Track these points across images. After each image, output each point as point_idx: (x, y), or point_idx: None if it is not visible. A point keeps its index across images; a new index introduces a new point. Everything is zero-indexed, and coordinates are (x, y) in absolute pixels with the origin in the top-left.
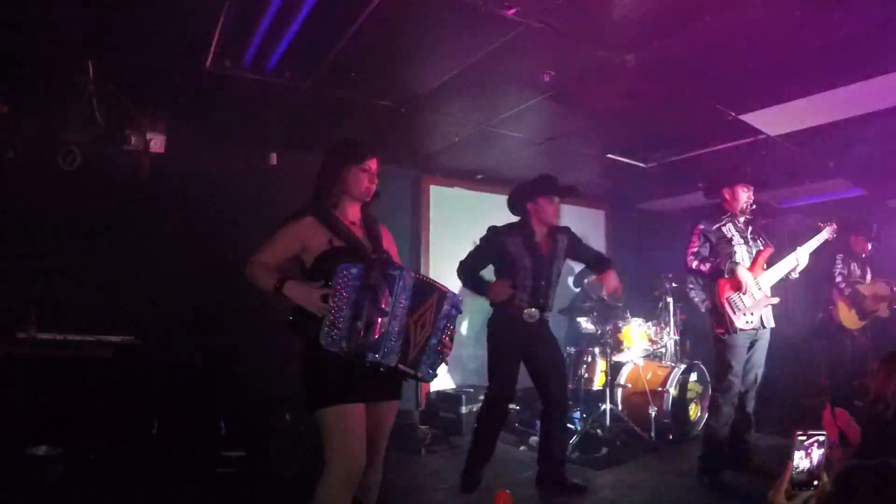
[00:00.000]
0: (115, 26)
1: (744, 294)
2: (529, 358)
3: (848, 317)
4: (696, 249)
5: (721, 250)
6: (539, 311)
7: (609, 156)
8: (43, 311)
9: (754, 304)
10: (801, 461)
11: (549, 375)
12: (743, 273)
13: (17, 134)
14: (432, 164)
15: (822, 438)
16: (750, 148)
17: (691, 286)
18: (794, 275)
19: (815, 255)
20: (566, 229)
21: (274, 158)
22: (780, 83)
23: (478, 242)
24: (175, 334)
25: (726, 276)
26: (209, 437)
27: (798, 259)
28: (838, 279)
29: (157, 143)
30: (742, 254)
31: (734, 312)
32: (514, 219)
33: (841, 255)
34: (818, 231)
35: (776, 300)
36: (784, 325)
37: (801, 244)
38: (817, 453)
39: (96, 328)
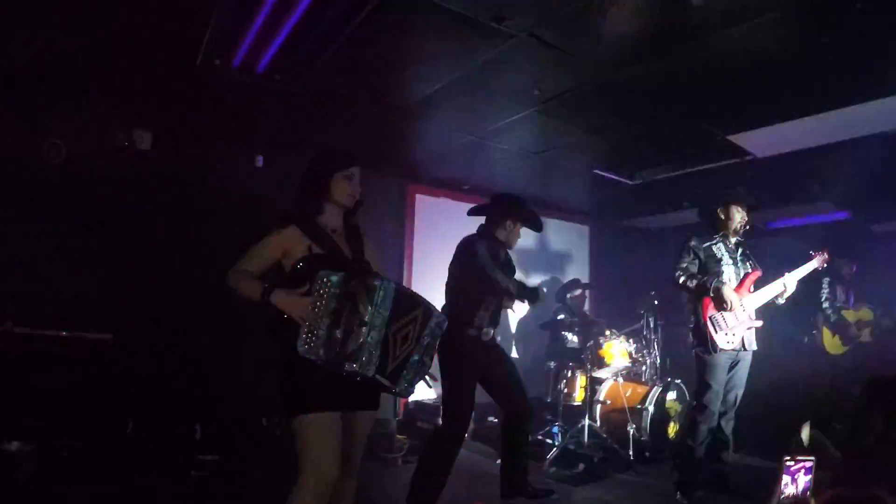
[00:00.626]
0: (105, 21)
1: (727, 313)
2: (487, 378)
3: (831, 343)
4: (685, 265)
5: (709, 268)
6: (493, 329)
7: (595, 171)
8: (20, 305)
9: (736, 325)
10: (788, 487)
11: (511, 389)
12: (728, 292)
13: (2, 126)
14: (419, 173)
15: (808, 464)
16: (736, 169)
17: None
18: (781, 300)
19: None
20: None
21: (260, 161)
22: (769, 105)
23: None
24: (153, 334)
25: (711, 295)
26: (184, 439)
27: (786, 285)
28: (825, 304)
29: (143, 140)
30: (729, 274)
31: (716, 331)
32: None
33: (827, 279)
34: (809, 259)
35: (759, 323)
36: (765, 345)
37: (786, 268)
38: (803, 479)
39: (74, 324)
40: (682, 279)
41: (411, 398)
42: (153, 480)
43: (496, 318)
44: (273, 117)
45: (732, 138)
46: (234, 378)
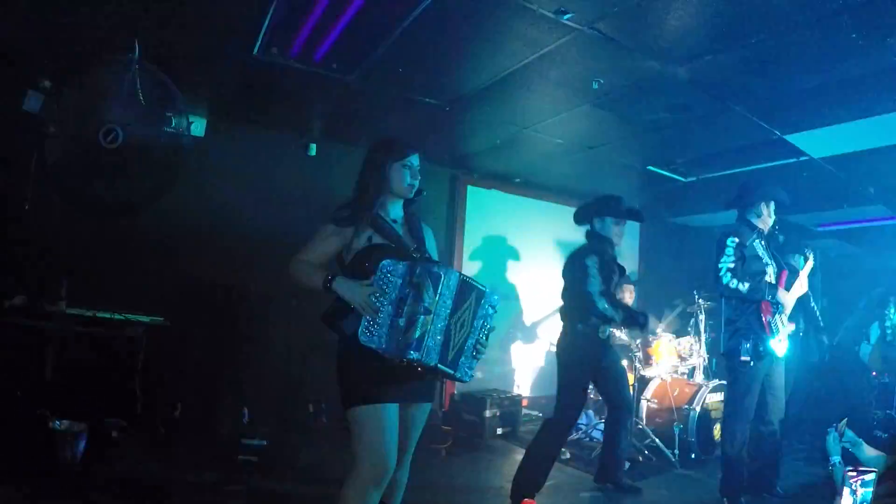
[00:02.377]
0: (164, 6)
1: (781, 316)
2: (598, 373)
3: (874, 359)
4: (733, 266)
5: (753, 268)
6: (608, 328)
7: (649, 168)
8: (74, 286)
9: (784, 330)
10: (848, 498)
11: (617, 384)
12: (783, 295)
13: (59, 109)
14: (471, 165)
15: (868, 476)
16: (792, 168)
17: None
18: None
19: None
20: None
21: (314, 149)
22: (827, 106)
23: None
24: (204, 319)
25: (768, 299)
26: (232, 423)
27: (803, 286)
28: (888, 322)
29: (197, 126)
30: (770, 274)
31: (772, 335)
32: (554, 227)
33: (894, 298)
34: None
35: (793, 326)
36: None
37: (834, 270)
38: (863, 491)
39: (126, 306)
40: (732, 281)
41: (456, 389)
42: (200, 463)
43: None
44: (327, 107)
45: (789, 138)
46: (282, 365)
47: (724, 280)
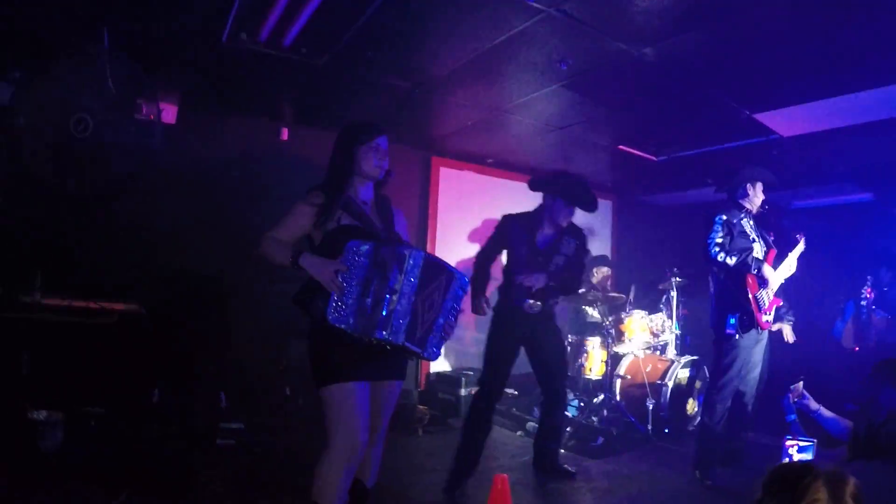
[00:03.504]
0: None
1: (766, 291)
2: (531, 349)
3: (847, 337)
4: (720, 240)
5: (740, 245)
6: (541, 303)
7: (620, 147)
8: (49, 275)
9: (770, 304)
10: None
11: (548, 367)
12: (768, 270)
13: (29, 100)
14: (443, 146)
15: (805, 443)
16: (762, 147)
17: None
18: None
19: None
20: (580, 234)
21: (285, 134)
22: (797, 84)
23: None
24: (180, 305)
25: (754, 272)
26: (209, 408)
27: (791, 267)
28: (863, 301)
29: (168, 113)
30: (758, 251)
31: (759, 310)
32: (527, 207)
33: (871, 277)
34: (796, 242)
35: (780, 302)
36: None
37: (810, 249)
38: (798, 457)
39: (101, 295)
40: (721, 255)
41: (432, 368)
42: (179, 449)
43: (540, 292)
44: (298, 91)
45: (758, 116)
46: (259, 349)
47: (713, 253)
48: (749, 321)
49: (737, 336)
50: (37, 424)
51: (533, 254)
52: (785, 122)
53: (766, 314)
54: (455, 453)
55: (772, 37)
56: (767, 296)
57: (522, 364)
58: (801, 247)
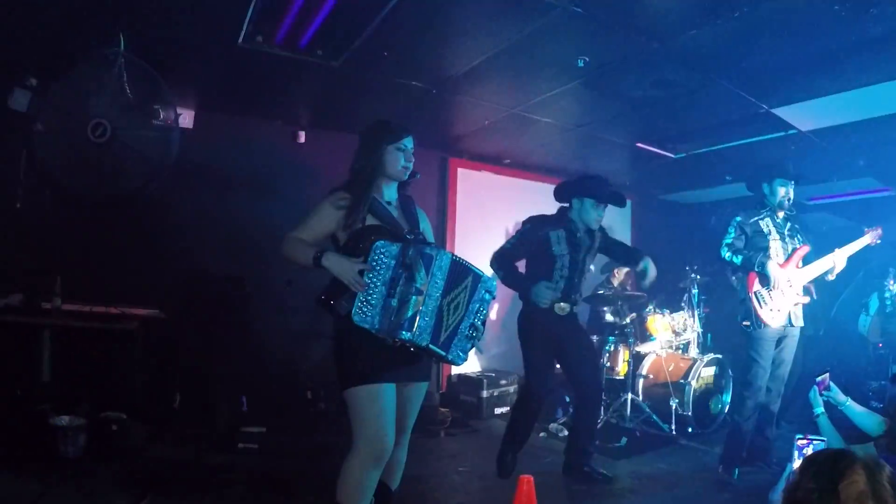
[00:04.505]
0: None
1: (773, 290)
2: (562, 352)
3: (872, 329)
4: (730, 241)
5: (756, 244)
6: (570, 306)
7: (639, 144)
8: (69, 281)
9: (782, 301)
10: (796, 462)
11: (582, 367)
12: (773, 268)
13: (47, 106)
14: (461, 147)
15: (817, 441)
16: (780, 142)
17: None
18: (831, 277)
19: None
20: (600, 230)
21: (302, 136)
22: (814, 78)
23: (518, 230)
24: (200, 309)
25: (756, 270)
26: (230, 412)
27: (835, 261)
28: (888, 293)
29: (185, 118)
30: (777, 249)
31: (760, 307)
32: (545, 208)
33: (893, 270)
34: (861, 234)
35: (806, 300)
36: (814, 322)
37: (827, 243)
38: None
39: (121, 300)
40: (727, 255)
41: (454, 371)
42: (200, 453)
43: (569, 293)
44: (315, 93)
45: (777, 111)
46: (280, 353)
47: (721, 253)
48: (754, 317)
49: (752, 331)
50: (58, 430)
51: (575, 258)
52: (803, 116)
53: (771, 310)
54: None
55: (790, 30)
56: (777, 293)
57: None
58: (861, 241)
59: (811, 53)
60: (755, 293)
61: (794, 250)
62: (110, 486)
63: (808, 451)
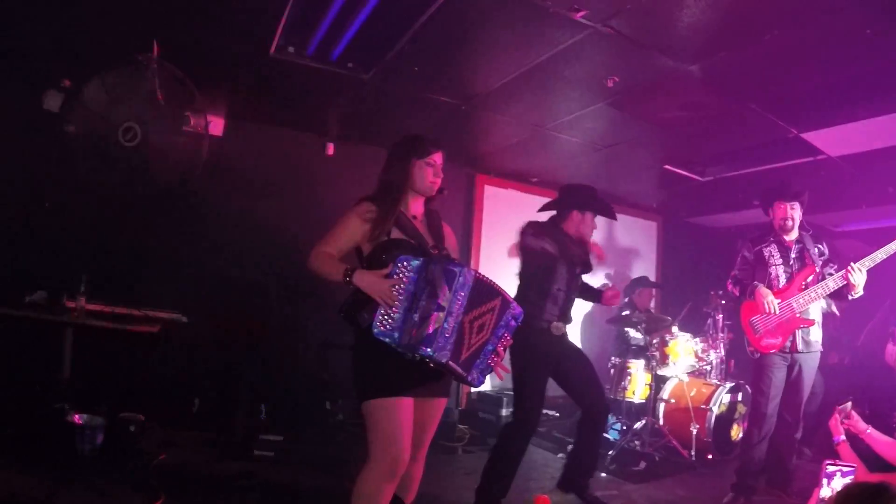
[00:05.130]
0: (181, 7)
1: (766, 315)
2: (562, 372)
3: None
4: (735, 273)
5: (758, 273)
6: (564, 324)
7: (666, 167)
8: (94, 281)
9: (779, 327)
10: (825, 489)
11: (587, 385)
12: (762, 294)
13: (79, 108)
14: (488, 164)
15: (847, 469)
16: (809, 168)
17: None
18: (855, 294)
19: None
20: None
21: (331, 149)
22: (845, 103)
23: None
24: (222, 316)
25: (748, 298)
26: (249, 419)
27: (850, 277)
28: None
29: (215, 125)
30: (778, 274)
31: (755, 334)
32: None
33: None
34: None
35: (810, 323)
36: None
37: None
38: (840, 482)
39: (145, 303)
40: (729, 287)
41: (473, 389)
42: (216, 458)
43: (566, 311)
44: (344, 106)
45: (806, 136)
46: (301, 363)
47: (728, 286)
48: (752, 346)
49: (756, 358)
50: (76, 428)
51: (570, 271)
52: (833, 141)
53: (767, 338)
54: (485, 475)
55: (820, 54)
56: (772, 319)
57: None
58: (829, 285)
59: (841, 78)
60: (750, 321)
61: (796, 273)
62: (124, 487)
63: (838, 477)
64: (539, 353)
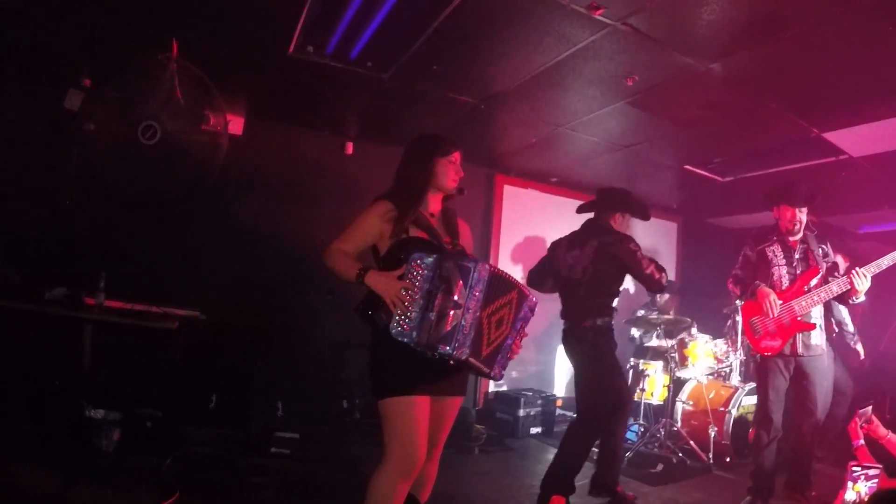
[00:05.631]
0: (201, 6)
1: (766, 317)
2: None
3: None
4: (736, 272)
5: (760, 272)
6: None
7: (686, 167)
8: (113, 278)
9: (779, 329)
10: (850, 492)
11: (621, 377)
12: (763, 295)
13: (99, 107)
14: (507, 164)
15: (872, 472)
16: (831, 168)
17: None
18: (856, 299)
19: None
20: None
21: (350, 148)
22: (867, 102)
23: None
24: (240, 313)
25: (748, 298)
26: (265, 416)
27: (853, 282)
28: None
29: (234, 124)
30: (781, 275)
31: (754, 335)
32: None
33: None
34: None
35: (810, 327)
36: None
37: (886, 275)
38: (865, 486)
39: (163, 300)
40: (730, 285)
41: (491, 388)
42: (233, 455)
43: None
44: (363, 105)
45: (827, 135)
46: (318, 361)
47: (729, 285)
48: (747, 346)
49: (759, 361)
50: (93, 422)
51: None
52: (855, 141)
53: (766, 340)
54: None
55: (842, 52)
56: (772, 321)
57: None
58: (833, 288)
59: (864, 76)
60: (750, 322)
61: (799, 275)
62: (140, 482)
63: (862, 479)
64: (614, 352)
